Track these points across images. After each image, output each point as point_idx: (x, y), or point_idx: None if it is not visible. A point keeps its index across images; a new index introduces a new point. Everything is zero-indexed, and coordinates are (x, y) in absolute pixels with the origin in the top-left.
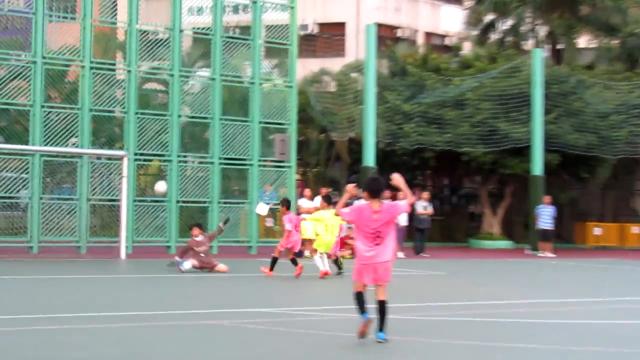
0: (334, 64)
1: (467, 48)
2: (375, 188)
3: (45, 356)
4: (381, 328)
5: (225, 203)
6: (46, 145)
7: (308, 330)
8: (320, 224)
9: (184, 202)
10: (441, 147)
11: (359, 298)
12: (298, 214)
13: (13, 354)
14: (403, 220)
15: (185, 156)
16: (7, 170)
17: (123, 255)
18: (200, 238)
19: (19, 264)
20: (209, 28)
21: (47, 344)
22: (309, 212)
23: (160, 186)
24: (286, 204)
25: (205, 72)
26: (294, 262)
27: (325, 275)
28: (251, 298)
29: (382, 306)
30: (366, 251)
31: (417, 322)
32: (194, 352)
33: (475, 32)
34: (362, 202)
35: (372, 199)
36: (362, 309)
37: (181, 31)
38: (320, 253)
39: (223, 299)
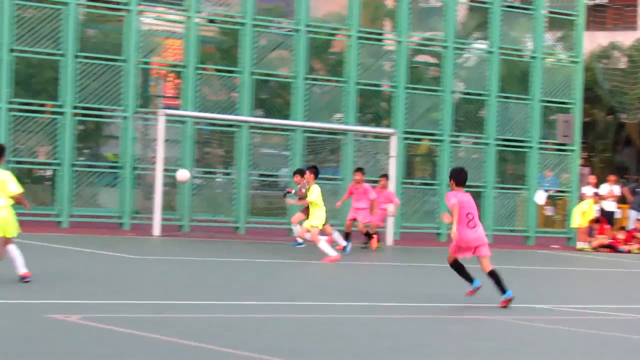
0: (626, 38)
1: None
2: (462, 177)
3: (309, 344)
4: (504, 291)
5: (501, 188)
6: (308, 120)
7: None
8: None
9: None
10: None
11: (456, 267)
12: (581, 199)
13: (260, 342)
14: None
15: (457, 136)
16: (267, 147)
17: (390, 241)
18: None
19: (279, 246)
20: None
21: (305, 332)
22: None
23: (181, 175)
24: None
25: (481, 45)
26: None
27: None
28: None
29: (493, 274)
30: (467, 233)
31: None
32: (479, 349)
33: None
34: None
35: (458, 187)
36: (466, 277)
37: None
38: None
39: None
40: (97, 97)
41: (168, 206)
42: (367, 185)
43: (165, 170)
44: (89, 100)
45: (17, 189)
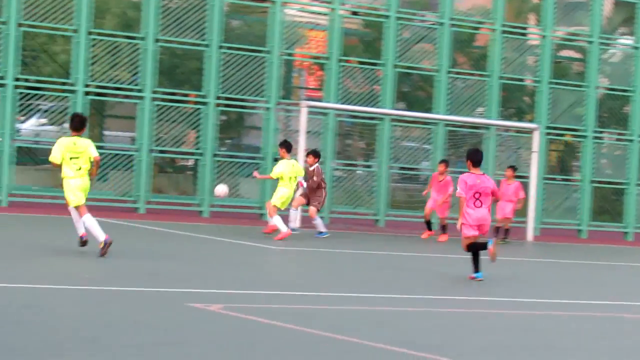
0: None
1: None
2: (477, 158)
3: (453, 338)
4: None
5: None
6: (450, 114)
7: None
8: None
9: (598, 182)
10: None
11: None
12: None
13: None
14: None
15: (601, 132)
16: (408, 140)
17: (530, 237)
18: (313, 167)
19: (417, 240)
20: None
21: (449, 327)
22: None
23: (220, 190)
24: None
25: (627, 40)
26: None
27: (285, 236)
28: None
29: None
30: (472, 212)
31: None
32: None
33: None
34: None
35: (475, 167)
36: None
37: None
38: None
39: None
40: (240, 88)
41: None
42: (449, 178)
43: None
44: (231, 91)
45: (97, 153)
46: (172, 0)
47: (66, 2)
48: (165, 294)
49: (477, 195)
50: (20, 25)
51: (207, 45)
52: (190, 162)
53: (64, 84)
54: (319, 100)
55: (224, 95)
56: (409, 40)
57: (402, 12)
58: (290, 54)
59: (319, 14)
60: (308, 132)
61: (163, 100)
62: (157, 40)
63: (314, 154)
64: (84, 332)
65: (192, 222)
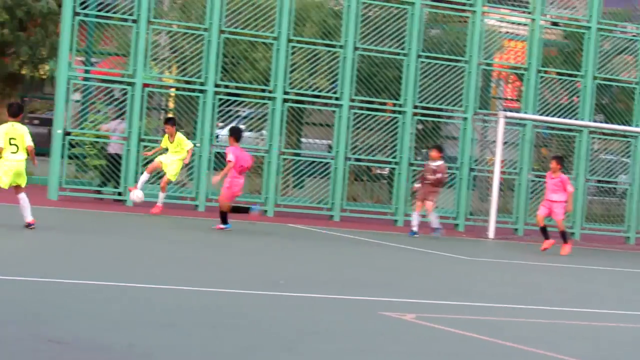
0: None
1: None
2: (240, 134)
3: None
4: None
5: None
6: None
7: None
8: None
9: None
10: None
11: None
12: None
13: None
14: None
15: None
16: (606, 152)
17: None
18: (437, 164)
19: (613, 254)
20: None
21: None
22: None
23: (134, 195)
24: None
25: None
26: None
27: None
28: None
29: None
30: (238, 180)
31: None
32: None
33: None
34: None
35: (237, 142)
36: (242, 210)
37: None
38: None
39: None
40: (437, 97)
41: (504, 209)
42: (564, 176)
43: (502, 172)
44: (429, 100)
45: (31, 142)
46: (372, 9)
47: (267, 10)
48: (358, 302)
49: (241, 168)
50: (222, 32)
51: (405, 54)
52: (386, 171)
53: (263, 90)
54: (517, 111)
55: (421, 104)
56: (609, 52)
57: (603, 24)
58: (488, 64)
59: (519, 24)
60: (505, 142)
61: (360, 108)
62: (356, 49)
63: (439, 148)
64: (280, 337)
65: (386, 230)
